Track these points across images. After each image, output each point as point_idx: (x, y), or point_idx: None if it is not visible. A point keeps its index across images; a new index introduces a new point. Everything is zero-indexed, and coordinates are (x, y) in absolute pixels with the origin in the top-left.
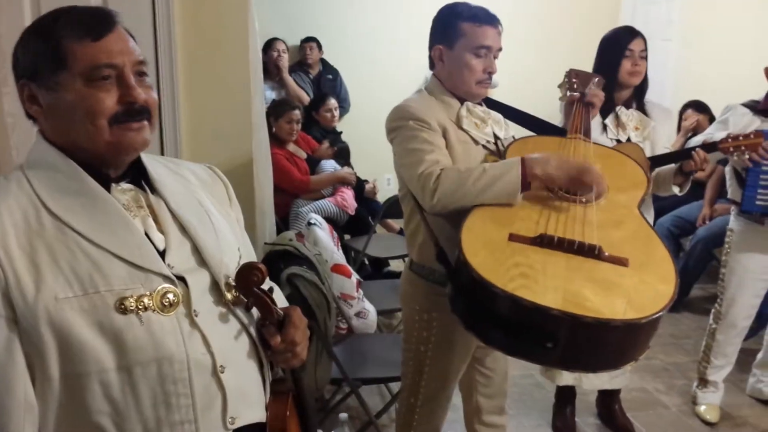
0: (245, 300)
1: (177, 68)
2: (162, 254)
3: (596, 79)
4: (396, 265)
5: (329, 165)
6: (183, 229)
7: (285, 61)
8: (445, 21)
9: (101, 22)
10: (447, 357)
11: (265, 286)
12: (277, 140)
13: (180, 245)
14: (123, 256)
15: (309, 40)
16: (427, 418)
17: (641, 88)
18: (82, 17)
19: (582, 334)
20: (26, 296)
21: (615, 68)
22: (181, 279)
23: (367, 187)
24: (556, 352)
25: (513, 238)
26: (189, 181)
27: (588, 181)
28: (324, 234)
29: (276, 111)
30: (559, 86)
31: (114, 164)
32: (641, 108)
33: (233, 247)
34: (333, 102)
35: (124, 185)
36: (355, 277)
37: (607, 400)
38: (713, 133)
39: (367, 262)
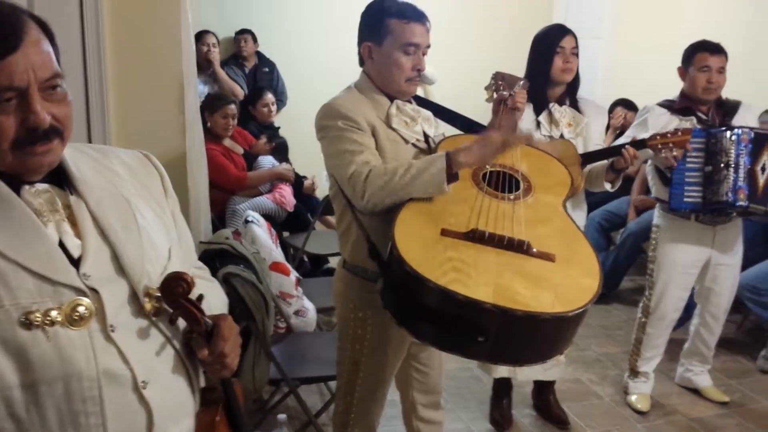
0: (170, 311)
1: (106, 60)
2: (77, 262)
3: (521, 82)
4: (335, 262)
5: (267, 161)
6: (103, 235)
7: (216, 55)
8: (373, 18)
9: (5, 39)
10: (382, 354)
11: (193, 295)
12: (212, 135)
13: (98, 252)
14: (31, 267)
15: (243, 32)
16: (363, 415)
17: (573, 85)
18: None
19: (512, 327)
20: None
21: (547, 65)
22: (95, 291)
23: (306, 183)
24: (487, 345)
25: (445, 233)
26: (117, 174)
27: (509, 142)
28: (262, 231)
29: (211, 105)
30: (486, 88)
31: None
32: (574, 105)
33: (161, 251)
34: (270, 96)
35: (39, 186)
36: (294, 275)
37: (543, 391)
38: (634, 135)
39: (306, 259)
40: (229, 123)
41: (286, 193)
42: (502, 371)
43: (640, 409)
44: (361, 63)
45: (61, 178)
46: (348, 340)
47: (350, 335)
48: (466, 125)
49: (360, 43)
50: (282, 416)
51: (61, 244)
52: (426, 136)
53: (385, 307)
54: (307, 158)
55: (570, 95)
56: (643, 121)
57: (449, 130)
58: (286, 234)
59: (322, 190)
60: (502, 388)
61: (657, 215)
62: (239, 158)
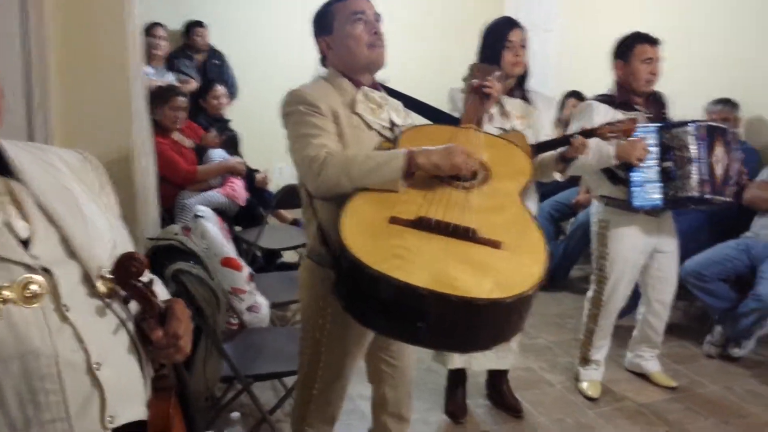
0: (123, 292)
1: (48, 49)
2: (26, 244)
3: (497, 73)
4: (289, 256)
5: (217, 154)
6: (50, 219)
7: (165, 49)
8: (319, 14)
9: None
10: (342, 344)
11: (145, 278)
12: (160, 128)
13: (46, 235)
14: None
15: (197, 24)
16: (323, 408)
17: (523, 77)
18: None
19: (449, 313)
20: None
21: (497, 59)
22: (47, 271)
23: (258, 176)
24: (427, 331)
25: (393, 220)
26: (57, 168)
27: (458, 162)
28: (212, 226)
29: (159, 98)
30: (463, 79)
31: None
32: (524, 97)
33: (105, 237)
34: (221, 89)
35: None
36: (246, 270)
37: (496, 380)
38: (581, 127)
39: (259, 254)
40: (178, 116)
41: (238, 187)
42: (457, 362)
43: (591, 395)
44: (323, 62)
45: (1, 167)
46: (309, 329)
47: (311, 324)
48: (436, 116)
49: (317, 43)
50: (235, 414)
51: (8, 227)
52: (393, 125)
53: (335, 294)
54: (259, 151)
55: (520, 87)
56: (588, 117)
57: (420, 121)
58: (238, 228)
59: (275, 183)
60: (457, 379)
61: (601, 210)
62: (189, 152)
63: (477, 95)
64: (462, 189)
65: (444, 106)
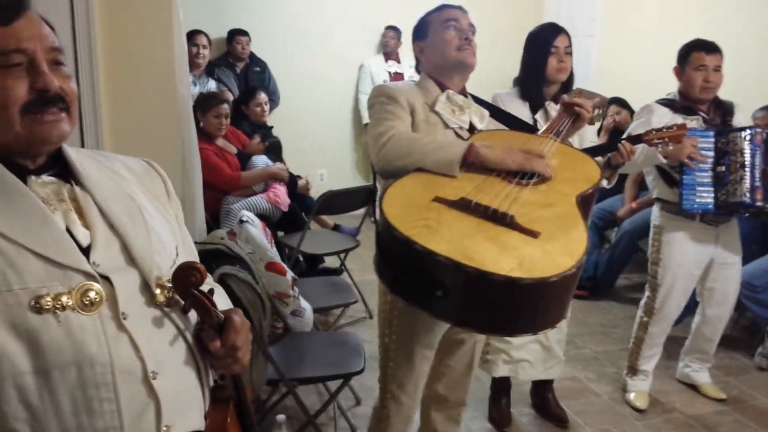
0: (182, 302)
1: (97, 61)
2: (87, 251)
3: (596, 99)
4: (331, 262)
5: (261, 161)
6: (111, 226)
7: (206, 57)
8: (418, 23)
9: (10, 7)
10: (409, 340)
11: (205, 288)
12: (205, 135)
13: (107, 242)
14: (39, 251)
15: (239, 32)
16: (397, 406)
17: (568, 83)
18: None
19: (467, 285)
20: None
21: (542, 65)
22: (107, 279)
23: (300, 182)
24: (447, 302)
25: (436, 199)
26: (121, 175)
27: (530, 167)
28: (257, 231)
29: (203, 105)
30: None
31: (29, 155)
32: None
33: (169, 246)
34: (263, 96)
35: (45, 178)
36: (290, 275)
37: (541, 390)
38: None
39: (301, 259)
40: (222, 122)
41: (281, 193)
42: (503, 370)
43: (639, 406)
44: (417, 66)
45: (65, 173)
46: (381, 326)
47: (383, 321)
48: (514, 124)
49: (413, 49)
50: (281, 417)
51: (70, 234)
52: (472, 127)
53: (376, 270)
54: (301, 158)
55: (564, 93)
56: (647, 120)
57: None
58: (280, 234)
59: (316, 189)
60: (501, 387)
61: (658, 216)
62: (233, 158)
63: (568, 112)
64: (517, 184)
65: None
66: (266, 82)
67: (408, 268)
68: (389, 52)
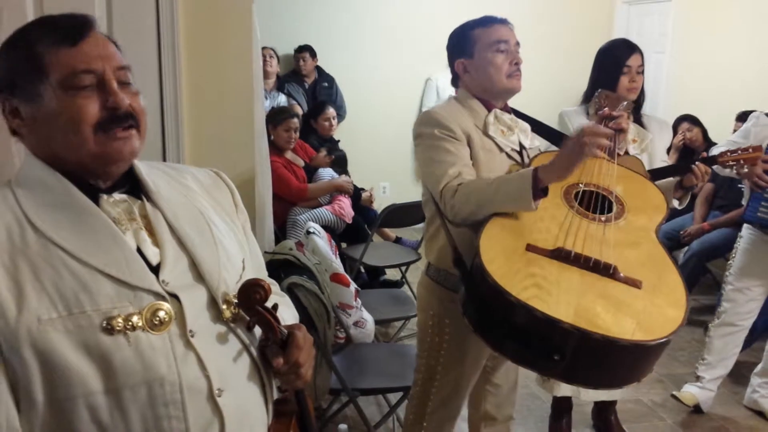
0: (247, 318)
1: (180, 74)
2: (156, 269)
3: (625, 103)
4: (392, 274)
5: (327, 173)
6: (180, 243)
7: (273, 68)
8: (458, 37)
9: (77, 27)
10: (459, 365)
11: (269, 303)
12: (275, 148)
13: (176, 260)
14: (110, 272)
15: (302, 49)
16: (436, 426)
17: (638, 101)
18: (58, 23)
19: (589, 349)
20: (7, 318)
21: (613, 83)
22: (175, 297)
23: (364, 195)
24: (562, 364)
25: (530, 248)
26: (190, 188)
27: (587, 145)
28: (323, 242)
29: (274, 119)
30: (589, 106)
31: (102, 175)
32: (638, 120)
33: (236, 261)
34: (331, 111)
35: (117, 196)
36: (353, 286)
37: (603, 411)
38: (737, 140)
39: (363, 270)
40: (291, 136)
41: (345, 205)
42: (566, 390)
43: (683, 401)
44: (454, 82)
45: (137, 189)
46: (425, 347)
47: (428, 342)
48: (561, 141)
49: (452, 63)
50: (343, 426)
51: (140, 252)
52: (522, 147)
53: (464, 315)
54: (365, 171)
55: (634, 111)
56: (746, 131)
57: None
58: (343, 245)
59: (379, 202)
60: (562, 407)
61: (744, 225)
62: (300, 170)
63: (605, 125)
64: (599, 222)
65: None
66: (334, 96)
67: (522, 332)
68: None
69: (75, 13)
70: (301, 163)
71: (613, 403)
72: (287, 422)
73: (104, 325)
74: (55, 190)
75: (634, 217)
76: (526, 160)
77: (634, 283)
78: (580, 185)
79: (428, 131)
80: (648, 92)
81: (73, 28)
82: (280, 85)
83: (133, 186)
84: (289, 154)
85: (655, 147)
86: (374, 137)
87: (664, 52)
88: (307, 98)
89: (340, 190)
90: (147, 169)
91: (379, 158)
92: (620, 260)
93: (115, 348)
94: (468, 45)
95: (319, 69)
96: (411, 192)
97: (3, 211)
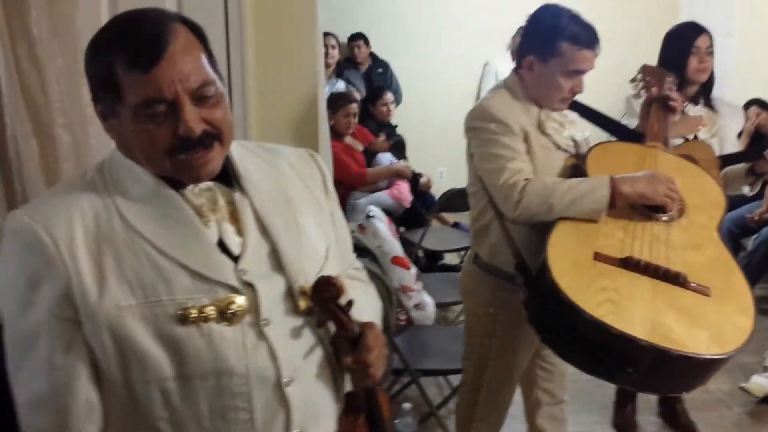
0: (319, 313)
1: (248, 62)
2: (236, 258)
3: (670, 78)
4: (450, 258)
5: (385, 158)
6: (263, 231)
7: (335, 58)
8: (545, 34)
9: (150, 49)
10: (511, 351)
11: (343, 301)
12: (334, 133)
13: (257, 248)
14: (189, 266)
15: (356, 37)
16: (489, 412)
17: (708, 84)
18: (133, 42)
19: (664, 364)
20: (88, 301)
21: (681, 65)
22: (251, 286)
23: (422, 180)
24: (634, 376)
25: (598, 258)
26: (282, 173)
27: (663, 193)
28: (383, 226)
29: (334, 104)
30: (632, 81)
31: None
32: (708, 104)
33: (318, 252)
34: (389, 96)
35: (202, 185)
36: (413, 269)
37: (670, 399)
38: None
39: (421, 254)
40: (350, 121)
41: (404, 190)
42: None
43: (750, 390)
44: (518, 66)
45: (226, 175)
46: (476, 336)
47: (479, 331)
48: (615, 129)
49: (523, 52)
50: (407, 405)
51: (221, 243)
52: (575, 141)
53: (530, 322)
54: (423, 156)
55: (704, 95)
56: None
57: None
58: (401, 230)
59: (436, 187)
60: (627, 394)
61: None
62: (359, 155)
63: (658, 106)
64: (662, 222)
65: (618, 113)
66: (389, 81)
67: (595, 347)
68: None
69: (154, 20)
70: (360, 147)
71: None
72: (355, 418)
73: (178, 315)
74: (142, 182)
75: (695, 216)
76: (581, 155)
77: (703, 291)
78: None
79: (484, 126)
80: (716, 77)
81: (147, 51)
82: (339, 71)
83: (224, 170)
84: (348, 139)
85: (725, 132)
86: (431, 122)
87: (731, 35)
88: (364, 84)
89: (399, 174)
90: (240, 153)
91: (437, 143)
92: (687, 265)
93: (188, 338)
94: (549, 51)
95: (373, 55)
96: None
97: (93, 197)
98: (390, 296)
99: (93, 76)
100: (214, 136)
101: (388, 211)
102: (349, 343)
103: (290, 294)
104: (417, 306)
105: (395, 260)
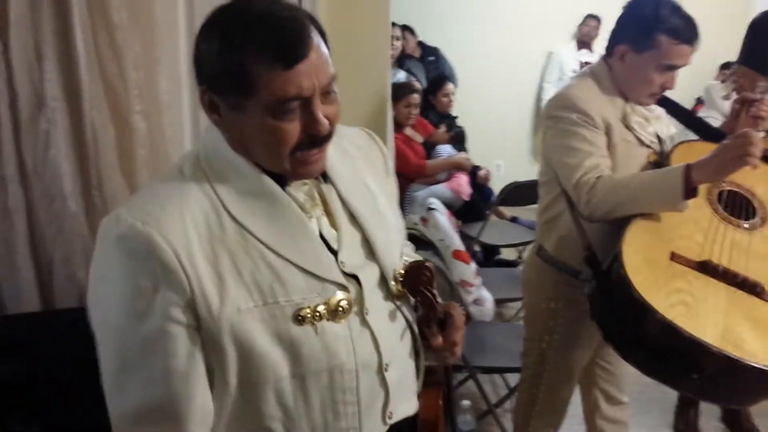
0: (411, 298)
1: None
2: (334, 252)
3: (764, 84)
4: (507, 254)
5: (445, 150)
6: (352, 219)
7: (397, 50)
8: (643, 23)
9: (295, 47)
10: (571, 348)
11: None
12: (395, 124)
13: (351, 239)
14: (302, 266)
15: (403, 29)
16: (548, 410)
17: None
18: (275, 39)
19: (732, 374)
20: (211, 308)
21: (766, 62)
22: (354, 277)
23: (481, 173)
24: (698, 383)
25: (675, 258)
26: (350, 155)
27: (750, 154)
28: (445, 219)
29: (395, 94)
30: (722, 81)
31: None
32: None
33: (398, 236)
34: (451, 86)
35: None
36: (473, 264)
37: None
38: None
39: (478, 249)
40: (411, 112)
41: (463, 182)
42: None
43: None
44: (608, 53)
45: None
46: (537, 330)
47: (540, 326)
48: (701, 128)
49: (616, 40)
50: (466, 402)
51: (321, 237)
52: (659, 138)
53: (593, 317)
54: (480, 148)
55: None
56: None
57: (680, 129)
58: (459, 222)
59: (493, 180)
60: (689, 397)
61: None
62: (419, 146)
63: (746, 110)
64: (743, 229)
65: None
66: (441, 68)
67: (662, 348)
68: (585, 41)
69: (295, 24)
70: (420, 139)
71: None
72: (436, 393)
73: (295, 315)
74: (248, 177)
75: None
76: (666, 152)
77: None
78: (723, 184)
79: (565, 115)
80: None
81: (291, 48)
82: (400, 62)
83: None
84: (408, 131)
85: None
86: (490, 114)
87: None
88: (426, 74)
89: (459, 167)
90: None
91: (495, 135)
92: (766, 276)
93: (304, 337)
94: (645, 42)
95: (421, 44)
96: (526, 171)
97: (200, 197)
98: (452, 291)
99: (220, 70)
100: (331, 135)
101: (446, 204)
102: (438, 324)
103: (384, 281)
104: (476, 301)
105: (456, 254)
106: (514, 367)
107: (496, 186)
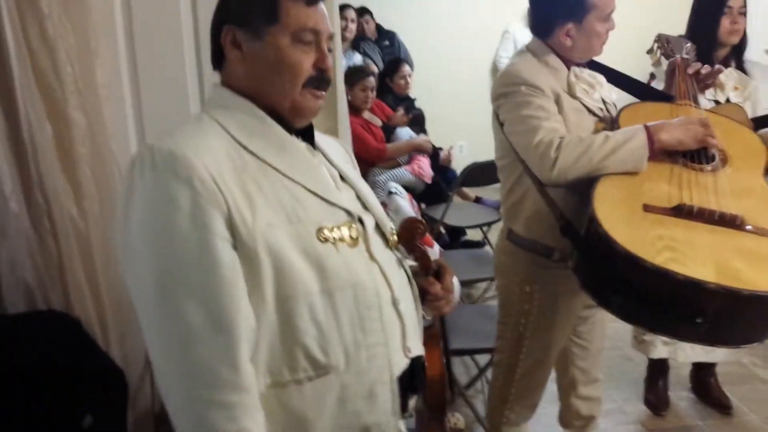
0: (407, 253)
1: None
2: None
3: (688, 45)
4: (472, 234)
5: (405, 133)
6: (344, 179)
7: (352, 33)
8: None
9: None
10: (548, 329)
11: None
12: (352, 108)
13: (347, 191)
14: (315, 191)
15: (363, 12)
16: (524, 393)
17: (740, 46)
18: None
19: (735, 308)
20: (246, 221)
21: (713, 26)
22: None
23: (442, 154)
24: (704, 327)
25: (648, 208)
26: (328, 142)
27: (701, 135)
28: (405, 203)
29: (351, 78)
30: (648, 52)
31: (290, 124)
32: (740, 67)
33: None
34: (407, 69)
35: (301, 142)
36: (437, 246)
37: (702, 373)
38: None
39: (443, 231)
40: (368, 96)
41: (424, 165)
42: (662, 351)
43: None
44: (547, 35)
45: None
46: (512, 314)
47: (515, 309)
48: (642, 91)
49: (552, 22)
50: None
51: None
52: (604, 103)
53: (583, 287)
54: (441, 129)
55: (736, 57)
56: None
57: (621, 95)
58: (422, 206)
59: (456, 161)
60: (659, 369)
61: None
62: (378, 130)
63: (683, 69)
64: (706, 172)
65: (641, 79)
66: (397, 52)
67: (660, 299)
68: None
69: None
70: (379, 122)
71: (713, 364)
72: (436, 344)
73: (318, 234)
74: (256, 119)
75: (739, 163)
76: (613, 117)
77: (764, 232)
78: None
79: (514, 89)
80: (753, 37)
81: None
82: (356, 44)
83: (305, 137)
84: (366, 114)
85: (758, 95)
86: (448, 94)
87: None
88: (382, 57)
89: (419, 149)
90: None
91: (456, 116)
92: (741, 209)
93: (327, 254)
94: (580, 9)
95: (378, 27)
96: (488, 150)
97: (220, 136)
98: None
99: (243, 3)
100: (329, 82)
101: (409, 187)
102: (433, 275)
103: (380, 231)
104: None
105: None
106: (485, 347)
107: (459, 167)
